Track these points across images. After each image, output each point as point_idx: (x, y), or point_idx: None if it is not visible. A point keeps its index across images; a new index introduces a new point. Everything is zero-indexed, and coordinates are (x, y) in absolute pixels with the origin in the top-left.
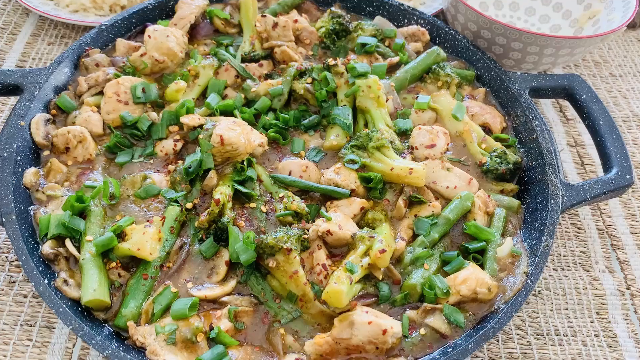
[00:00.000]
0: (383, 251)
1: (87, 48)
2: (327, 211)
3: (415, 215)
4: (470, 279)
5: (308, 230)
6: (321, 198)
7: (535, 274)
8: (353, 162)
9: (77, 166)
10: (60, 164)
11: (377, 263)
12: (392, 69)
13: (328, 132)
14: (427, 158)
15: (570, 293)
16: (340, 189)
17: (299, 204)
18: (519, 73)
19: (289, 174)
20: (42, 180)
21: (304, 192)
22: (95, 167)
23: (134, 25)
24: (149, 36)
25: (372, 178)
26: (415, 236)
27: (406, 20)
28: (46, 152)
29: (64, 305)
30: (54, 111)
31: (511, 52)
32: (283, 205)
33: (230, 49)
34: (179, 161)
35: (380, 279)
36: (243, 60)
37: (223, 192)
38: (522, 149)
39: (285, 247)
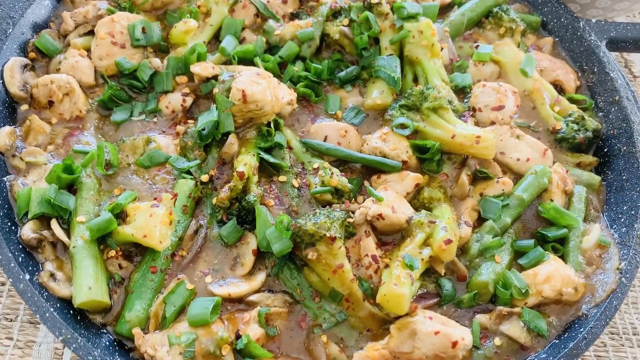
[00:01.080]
0: (449, 241)
1: None
2: (372, 187)
3: (481, 194)
4: (554, 276)
5: (353, 212)
6: (363, 170)
7: (630, 271)
8: (404, 126)
9: (64, 125)
10: (42, 122)
11: (441, 256)
12: (442, 11)
13: (369, 87)
14: (493, 123)
15: None
16: (390, 160)
17: (340, 179)
18: (594, 21)
19: (325, 140)
20: (20, 143)
21: (342, 162)
22: (86, 126)
23: None
24: None
25: (429, 147)
26: (480, 220)
27: None
28: (24, 107)
29: (51, 309)
30: (32, 54)
31: None
32: (319, 179)
33: None
34: (189, 121)
35: (443, 274)
36: None
37: (247, 162)
38: (600, 114)
39: (328, 235)
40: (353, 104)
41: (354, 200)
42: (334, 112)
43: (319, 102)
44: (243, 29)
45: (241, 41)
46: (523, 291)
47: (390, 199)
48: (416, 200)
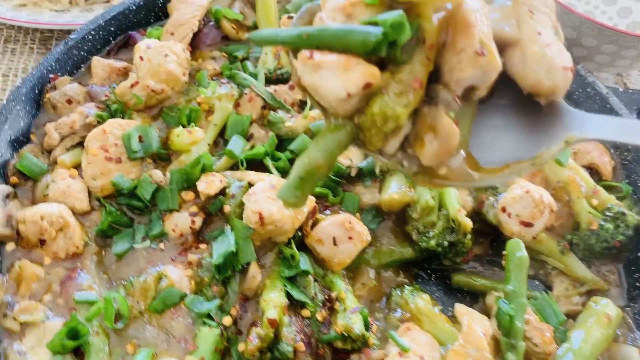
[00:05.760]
0: None
1: (51, 76)
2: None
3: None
4: None
5: None
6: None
7: None
8: None
9: (60, 265)
10: (35, 267)
11: None
12: None
13: (387, 180)
14: (512, 233)
15: None
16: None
17: (348, 322)
18: (621, 89)
19: (334, 242)
20: (10, 297)
21: None
22: (85, 264)
23: (113, 35)
24: (141, 58)
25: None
26: None
27: None
28: (10, 246)
29: None
30: (14, 179)
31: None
32: (338, 318)
33: (248, 64)
34: (200, 245)
35: None
36: (267, 81)
37: (277, 304)
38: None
39: None
40: (370, 201)
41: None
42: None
43: (337, 202)
44: (250, 123)
45: (249, 138)
46: None
47: (420, 348)
48: (361, 115)
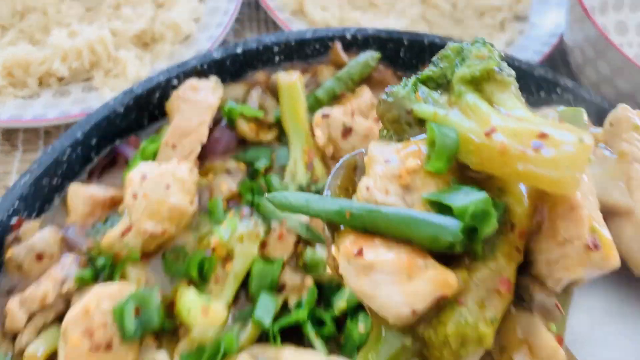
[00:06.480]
0: None
1: (13, 221)
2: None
3: None
4: None
5: None
6: None
7: None
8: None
9: None
10: None
11: None
12: None
13: None
14: None
15: None
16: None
17: None
18: None
19: None
20: None
21: None
22: None
23: (95, 150)
24: (135, 196)
25: (458, 208)
26: None
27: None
28: None
29: None
30: None
31: None
32: None
33: (273, 178)
34: None
35: None
36: None
37: None
38: None
39: None
40: None
41: None
42: None
43: None
44: (282, 267)
45: (280, 288)
46: None
47: None
48: (428, 327)
